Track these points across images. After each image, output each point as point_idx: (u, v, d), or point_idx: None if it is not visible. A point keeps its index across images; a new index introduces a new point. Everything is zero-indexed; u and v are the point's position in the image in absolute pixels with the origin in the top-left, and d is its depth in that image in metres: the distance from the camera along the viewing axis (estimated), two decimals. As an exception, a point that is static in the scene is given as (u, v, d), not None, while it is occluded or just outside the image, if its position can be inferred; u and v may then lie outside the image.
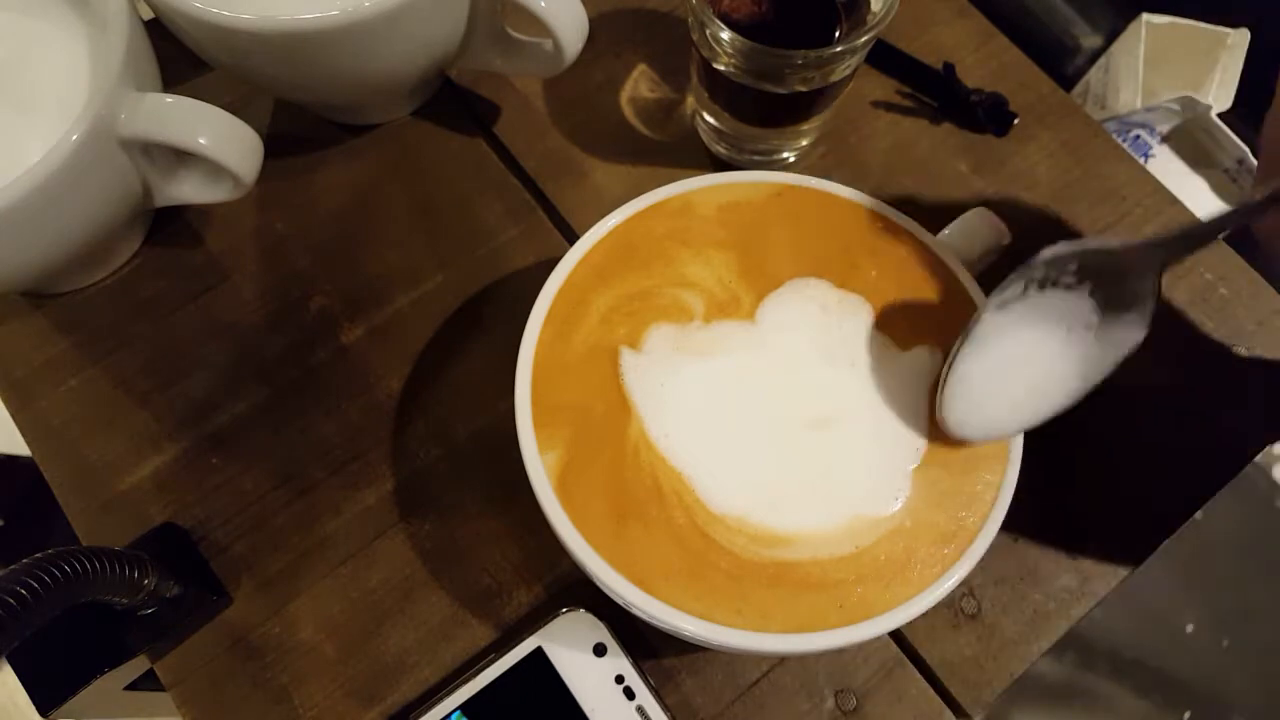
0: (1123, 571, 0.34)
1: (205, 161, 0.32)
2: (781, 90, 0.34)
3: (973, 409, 0.27)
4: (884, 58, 0.42)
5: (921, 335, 0.28)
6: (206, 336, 0.37)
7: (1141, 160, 0.80)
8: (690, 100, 0.41)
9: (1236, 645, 0.86)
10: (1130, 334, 0.26)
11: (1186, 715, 0.84)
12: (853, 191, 0.30)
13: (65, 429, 0.35)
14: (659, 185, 0.30)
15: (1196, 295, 0.38)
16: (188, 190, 0.35)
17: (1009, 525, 0.27)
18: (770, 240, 0.30)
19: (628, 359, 0.28)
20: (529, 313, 0.28)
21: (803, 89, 0.33)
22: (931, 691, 0.32)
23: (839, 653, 0.32)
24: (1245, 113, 0.81)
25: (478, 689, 0.31)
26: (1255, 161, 0.79)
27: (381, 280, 0.38)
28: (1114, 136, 0.42)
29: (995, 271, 0.32)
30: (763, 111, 0.36)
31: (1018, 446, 0.27)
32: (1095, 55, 0.88)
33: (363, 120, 0.41)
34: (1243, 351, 0.37)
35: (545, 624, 0.31)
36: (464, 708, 0.30)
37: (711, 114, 0.38)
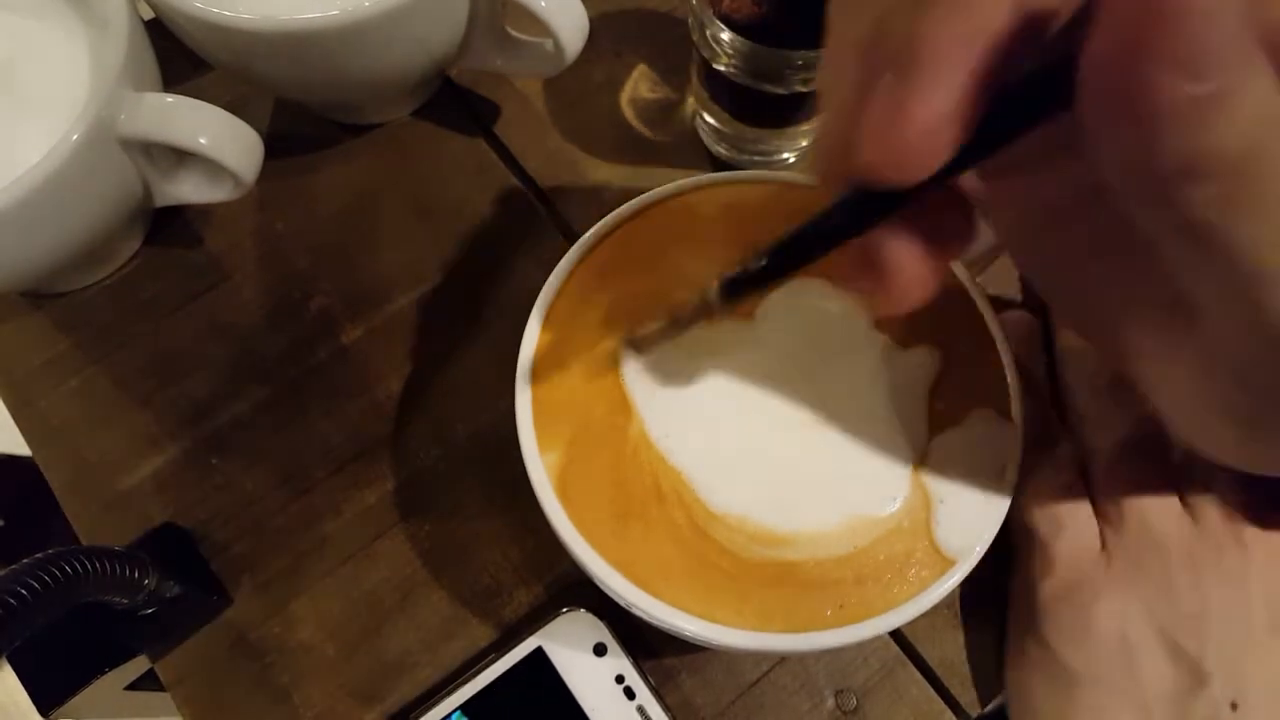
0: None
1: (205, 161, 0.32)
2: (781, 90, 0.34)
3: None
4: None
5: (921, 335, 0.28)
6: (206, 336, 0.37)
7: (1141, 160, 0.80)
8: (690, 100, 0.41)
9: (1236, 645, 0.85)
10: None
11: (1186, 715, 0.83)
12: (853, 191, 0.30)
13: (65, 429, 0.35)
14: (659, 185, 0.30)
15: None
16: (188, 190, 0.35)
17: (1009, 525, 0.27)
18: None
19: (628, 359, 0.28)
20: (529, 313, 0.28)
21: (803, 89, 0.33)
22: (931, 691, 0.32)
23: (839, 653, 0.32)
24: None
25: (478, 689, 0.31)
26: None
27: (381, 280, 0.38)
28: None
29: (995, 271, 0.33)
30: (763, 111, 0.36)
31: (1018, 447, 0.27)
32: (1095, 55, 0.88)
33: (363, 120, 0.41)
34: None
35: (545, 624, 0.31)
36: (464, 708, 0.30)
37: (711, 114, 0.38)
